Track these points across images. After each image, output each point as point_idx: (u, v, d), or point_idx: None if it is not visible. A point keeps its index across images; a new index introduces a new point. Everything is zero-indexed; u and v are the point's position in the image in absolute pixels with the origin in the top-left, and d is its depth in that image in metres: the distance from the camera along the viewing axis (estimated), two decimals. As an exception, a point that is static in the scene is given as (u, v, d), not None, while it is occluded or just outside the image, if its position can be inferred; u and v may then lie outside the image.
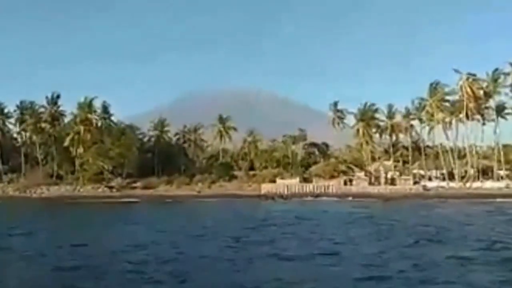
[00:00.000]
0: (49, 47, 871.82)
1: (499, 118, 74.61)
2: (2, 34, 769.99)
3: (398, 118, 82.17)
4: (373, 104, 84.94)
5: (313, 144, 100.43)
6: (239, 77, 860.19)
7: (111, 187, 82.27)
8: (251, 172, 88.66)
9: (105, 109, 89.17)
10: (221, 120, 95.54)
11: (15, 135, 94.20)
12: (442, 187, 69.91)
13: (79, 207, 63.18)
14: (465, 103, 70.98)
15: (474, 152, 73.78)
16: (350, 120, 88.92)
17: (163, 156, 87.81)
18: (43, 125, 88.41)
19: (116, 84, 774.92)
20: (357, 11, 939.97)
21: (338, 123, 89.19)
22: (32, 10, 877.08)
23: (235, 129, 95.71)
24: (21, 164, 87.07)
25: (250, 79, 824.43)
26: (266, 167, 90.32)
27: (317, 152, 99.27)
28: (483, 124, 74.84)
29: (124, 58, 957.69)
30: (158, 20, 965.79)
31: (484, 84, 72.10)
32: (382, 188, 70.91)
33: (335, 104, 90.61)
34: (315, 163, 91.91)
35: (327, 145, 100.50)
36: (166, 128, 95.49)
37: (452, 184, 70.45)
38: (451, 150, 74.78)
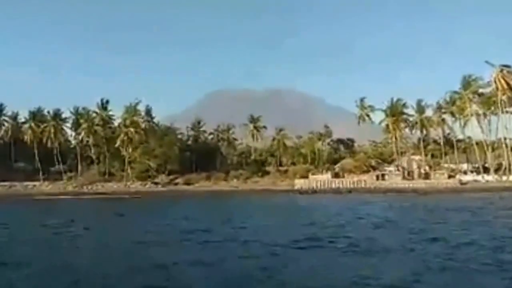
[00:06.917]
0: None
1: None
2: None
3: (428, 112, 68.70)
4: (400, 99, 72.30)
5: (339, 140, 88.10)
6: (261, 76, 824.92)
7: (156, 183, 75.83)
8: (282, 168, 77.29)
9: (148, 112, 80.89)
10: (252, 119, 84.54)
11: (69, 138, 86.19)
12: (477, 180, 56.31)
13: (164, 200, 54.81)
14: (498, 95, 57.08)
15: (508, 144, 59.59)
16: (373, 116, 76.18)
17: (200, 154, 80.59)
18: (95, 128, 79.94)
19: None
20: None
21: (364, 119, 76.15)
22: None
23: (265, 127, 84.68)
24: (76, 164, 79.49)
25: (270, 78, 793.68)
26: (294, 163, 79.42)
27: (342, 148, 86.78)
28: (515, 116, 60.68)
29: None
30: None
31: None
32: (417, 183, 57.76)
33: (362, 100, 77.72)
34: (341, 158, 79.52)
35: (352, 141, 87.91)
36: (202, 129, 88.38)
37: (488, 177, 56.80)
38: (485, 143, 60.85)
